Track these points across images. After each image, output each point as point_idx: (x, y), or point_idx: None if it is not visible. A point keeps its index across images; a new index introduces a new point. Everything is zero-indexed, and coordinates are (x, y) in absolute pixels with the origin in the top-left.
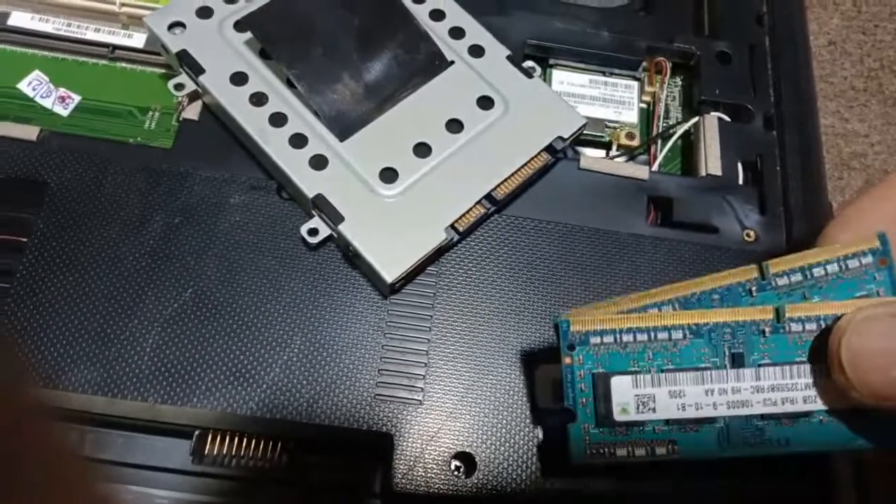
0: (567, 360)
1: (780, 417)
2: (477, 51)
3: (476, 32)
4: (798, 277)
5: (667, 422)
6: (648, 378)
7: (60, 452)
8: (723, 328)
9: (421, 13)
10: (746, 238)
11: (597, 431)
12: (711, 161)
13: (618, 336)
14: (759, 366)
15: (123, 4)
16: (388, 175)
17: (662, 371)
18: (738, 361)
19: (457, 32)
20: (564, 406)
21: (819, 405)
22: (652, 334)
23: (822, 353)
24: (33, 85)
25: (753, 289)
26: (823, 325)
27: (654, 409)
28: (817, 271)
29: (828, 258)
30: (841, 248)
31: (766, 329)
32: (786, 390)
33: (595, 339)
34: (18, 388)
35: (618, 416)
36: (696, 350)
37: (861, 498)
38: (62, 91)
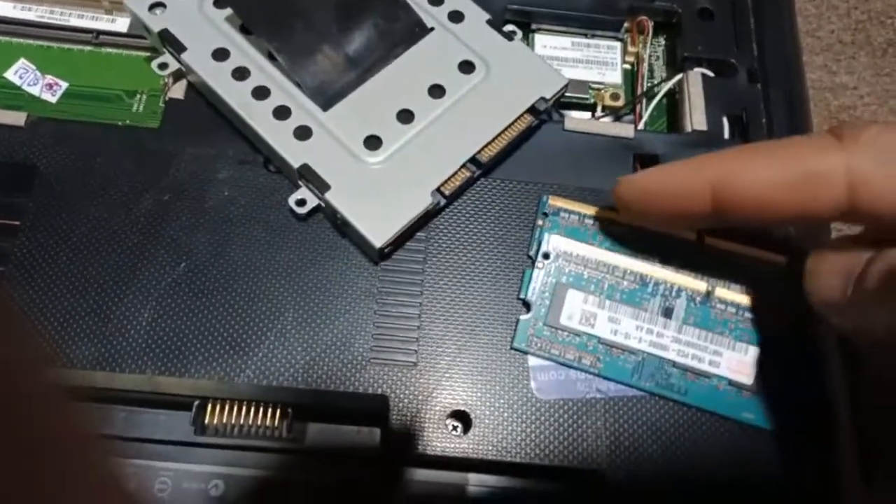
0: (539, 265)
1: (686, 370)
2: (457, 16)
3: None
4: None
5: (599, 340)
6: (597, 300)
7: (79, 432)
8: (665, 285)
9: None
10: None
11: (542, 327)
12: (696, 116)
13: (586, 261)
14: (684, 323)
15: None
16: (373, 143)
17: (609, 299)
18: (668, 314)
19: None
20: (524, 299)
21: (718, 372)
22: (613, 269)
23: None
24: (20, 73)
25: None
26: (739, 311)
27: (592, 325)
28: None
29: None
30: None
31: (698, 299)
32: (697, 349)
33: (568, 256)
34: (35, 365)
35: (563, 321)
36: (640, 294)
37: None
38: (49, 78)
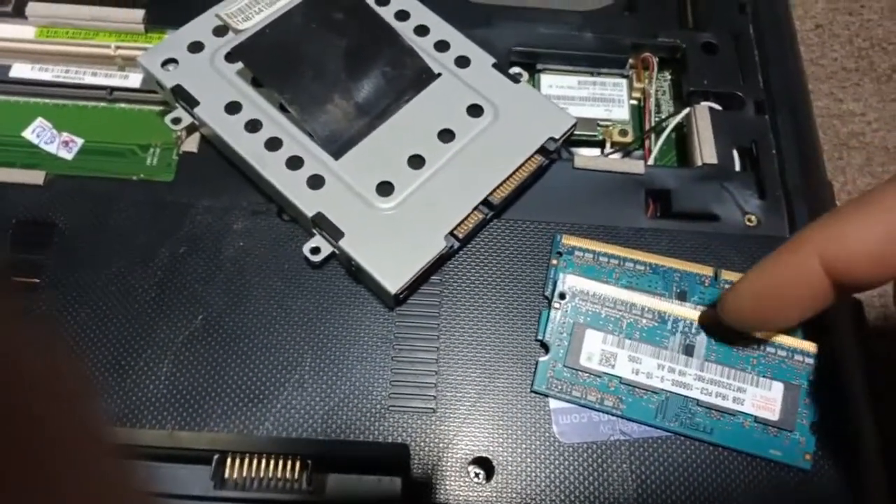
0: (556, 306)
1: (711, 408)
2: (463, 61)
3: (461, 44)
4: None
5: (621, 380)
6: (616, 339)
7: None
8: (685, 322)
9: (405, 30)
10: (748, 223)
11: (561, 368)
12: (706, 150)
13: (603, 300)
14: (706, 360)
15: (118, 47)
16: (385, 188)
17: (629, 338)
18: (689, 351)
19: (442, 45)
20: (542, 341)
21: (743, 409)
22: (630, 307)
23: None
24: (37, 132)
25: (706, 282)
26: (761, 346)
27: (613, 366)
28: None
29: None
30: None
31: (717, 335)
32: (721, 387)
33: (584, 295)
34: (94, 421)
35: (583, 361)
36: (660, 332)
37: None
38: (65, 136)
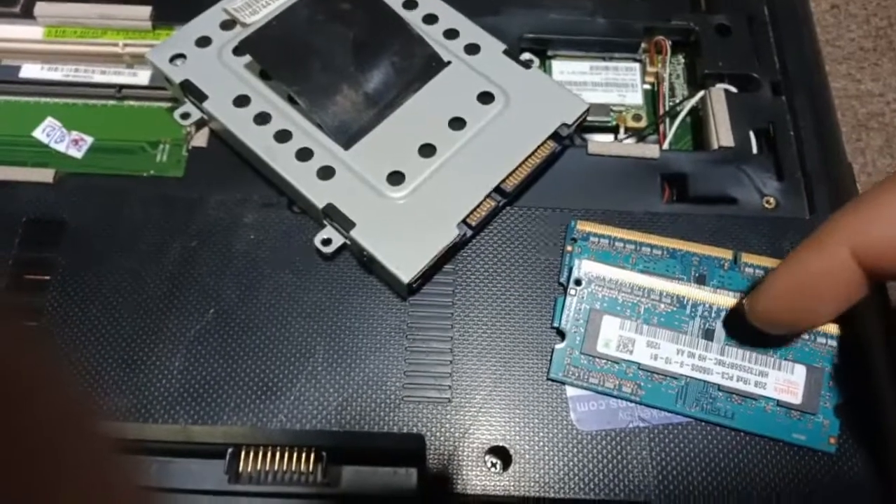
0: (572, 292)
1: (732, 393)
2: (473, 49)
3: (470, 31)
4: (760, 272)
5: (639, 366)
6: (634, 325)
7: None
8: (704, 306)
9: (414, 19)
10: (767, 205)
11: (578, 356)
12: (723, 133)
13: (620, 285)
14: (726, 344)
15: (126, 45)
16: (396, 178)
17: (647, 323)
18: (709, 336)
19: (451, 33)
20: (558, 328)
21: (765, 393)
22: (647, 292)
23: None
24: (47, 131)
25: (726, 265)
26: None
27: (631, 352)
28: None
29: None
30: None
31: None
32: (742, 371)
33: (600, 281)
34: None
35: (600, 348)
36: (678, 316)
37: None
38: (75, 134)
